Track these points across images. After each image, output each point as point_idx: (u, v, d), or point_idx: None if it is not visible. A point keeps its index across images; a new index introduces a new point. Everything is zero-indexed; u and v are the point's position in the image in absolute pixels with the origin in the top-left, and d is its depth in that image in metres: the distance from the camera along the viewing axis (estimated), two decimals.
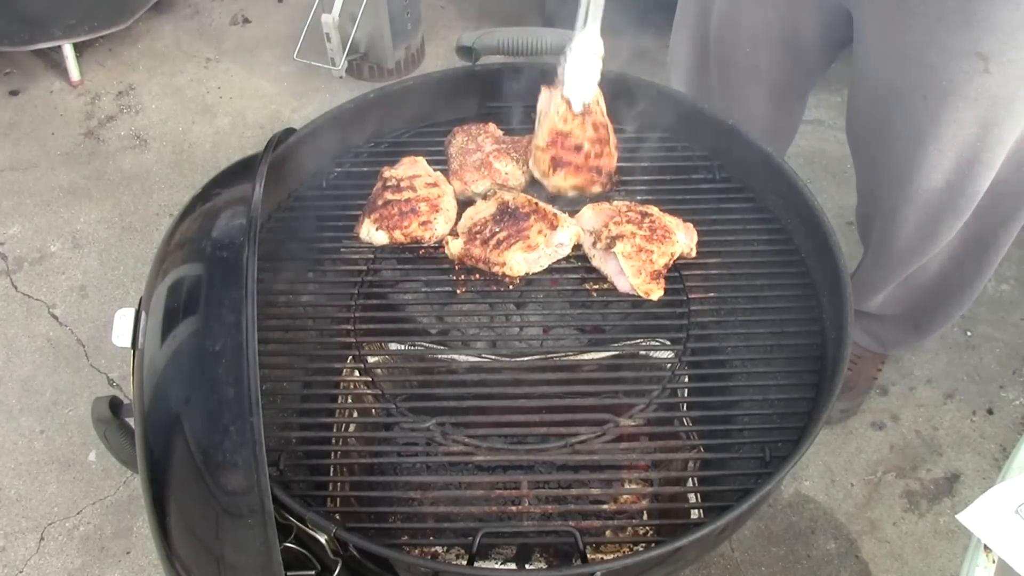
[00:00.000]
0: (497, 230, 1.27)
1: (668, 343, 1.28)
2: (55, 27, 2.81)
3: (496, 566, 1.36)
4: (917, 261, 1.70)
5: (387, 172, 1.37)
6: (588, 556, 1.03)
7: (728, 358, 1.30)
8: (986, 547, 0.98)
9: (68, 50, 2.93)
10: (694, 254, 1.31)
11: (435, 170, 1.39)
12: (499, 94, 1.52)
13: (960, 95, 1.35)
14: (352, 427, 1.40)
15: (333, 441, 1.28)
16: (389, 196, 1.32)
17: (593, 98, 1.31)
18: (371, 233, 1.31)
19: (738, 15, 1.61)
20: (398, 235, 1.30)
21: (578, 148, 1.31)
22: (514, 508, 1.32)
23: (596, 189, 1.35)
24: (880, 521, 1.92)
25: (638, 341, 1.36)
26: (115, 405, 1.14)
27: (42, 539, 1.92)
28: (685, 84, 1.85)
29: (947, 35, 1.30)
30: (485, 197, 1.36)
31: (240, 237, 1.03)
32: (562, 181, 1.34)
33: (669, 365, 1.23)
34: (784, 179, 1.36)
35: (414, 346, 1.41)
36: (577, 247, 1.30)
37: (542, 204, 1.30)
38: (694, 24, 1.74)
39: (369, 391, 1.28)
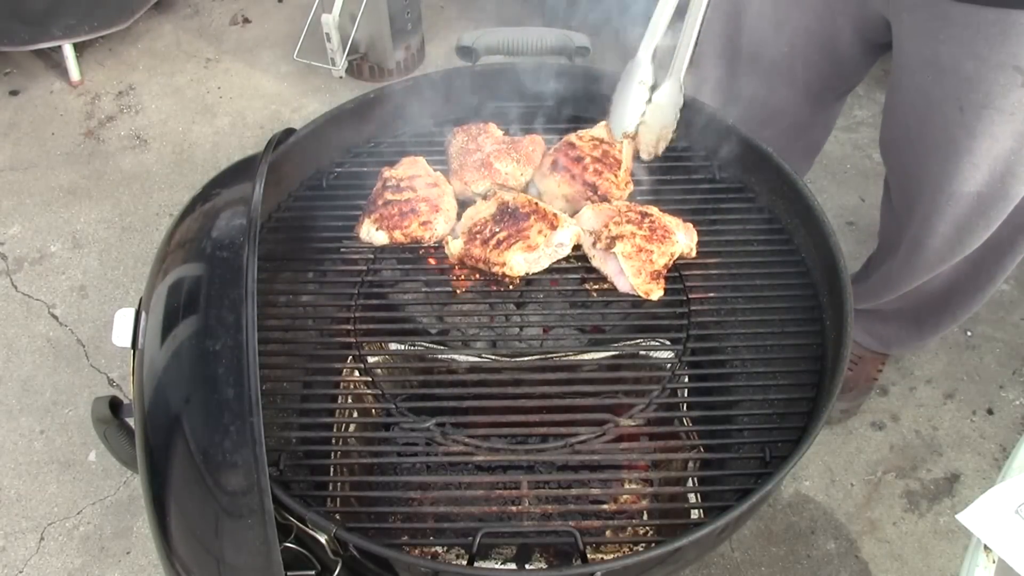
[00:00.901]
0: (497, 230, 1.27)
1: (668, 343, 1.28)
2: (55, 27, 2.81)
3: (496, 566, 1.36)
4: (944, 266, 1.70)
5: (387, 172, 1.37)
6: (588, 556, 1.03)
7: (728, 358, 1.30)
8: (986, 547, 0.98)
9: (68, 50, 2.93)
10: (694, 254, 1.31)
11: (435, 170, 1.39)
12: (499, 94, 1.52)
13: (996, 108, 1.35)
14: (352, 427, 1.40)
15: (333, 441, 1.28)
16: (389, 196, 1.32)
17: (616, 137, 1.37)
18: (371, 233, 1.31)
19: (777, 16, 1.61)
20: (398, 235, 1.30)
21: (578, 160, 1.35)
22: (514, 508, 1.32)
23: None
24: (880, 521, 1.92)
25: (638, 341, 1.36)
26: (115, 405, 1.14)
27: (42, 539, 1.92)
28: (713, 82, 1.85)
29: (985, 47, 1.30)
30: (485, 197, 1.36)
31: (240, 237, 1.03)
32: (555, 187, 1.35)
33: (669, 365, 1.23)
34: (784, 179, 1.36)
35: (414, 346, 1.41)
36: (577, 247, 1.30)
37: (542, 204, 1.30)
38: (724, 22, 1.74)
39: (369, 391, 1.28)
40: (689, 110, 1.47)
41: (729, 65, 1.77)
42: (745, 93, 1.77)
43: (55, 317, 2.34)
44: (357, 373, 1.31)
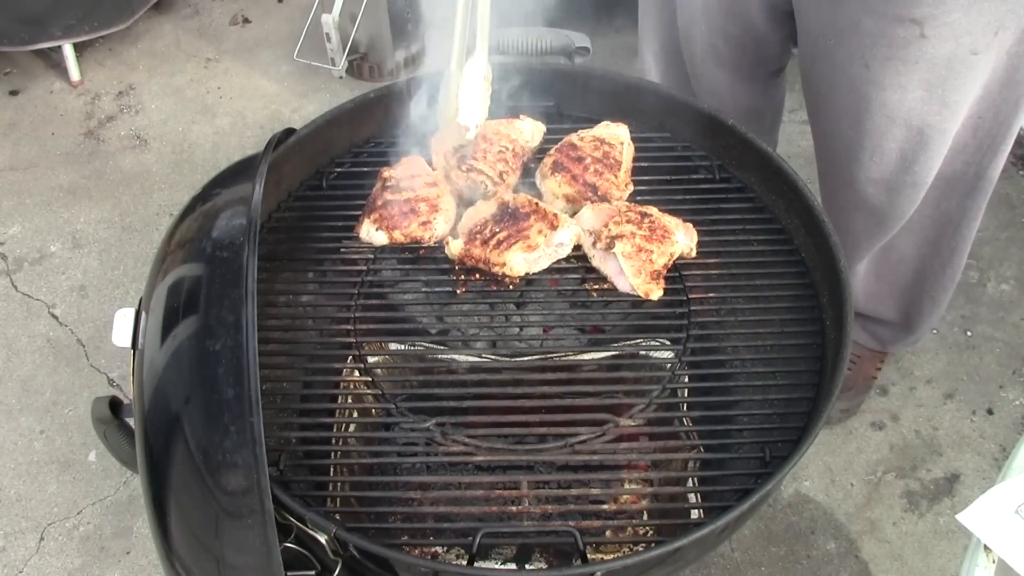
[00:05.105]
0: (497, 230, 1.27)
1: (668, 343, 1.28)
2: (55, 27, 2.81)
3: (496, 566, 1.36)
4: (882, 236, 1.70)
5: (386, 172, 1.37)
6: (588, 556, 1.03)
7: (728, 358, 1.30)
8: (986, 547, 0.98)
9: (68, 50, 2.93)
10: (694, 254, 1.31)
11: (434, 170, 1.39)
12: (499, 94, 1.52)
13: (900, 59, 1.37)
14: (352, 427, 1.40)
15: (333, 441, 1.28)
16: (389, 196, 1.32)
17: (619, 138, 1.38)
18: (371, 233, 1.31)
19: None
20: (398, 235, 1.30)
21: (578, 160, 1.35)
22: (514, 508, 1.32)
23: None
24: (880, 521, 1.92)
25: (638, 341, 1.36)
26: (115, 405, 1.14)
27: (42, 539, 1.92)
28: (657, 74, 1.87)
29: (880, 3, 1.33)
30: (485, 197, 1.36)
31: (240, 237, 1.03)
32: (556, 187, 1.35)
33: (669, 365, 1.23)
34: (784, 179, 1.35)
35: (414, 346, 1.41)
36: (577, 247, 1.30)
37: (542, 204, 1.30)
38: (658, 12, 1.76)
39: (369, 391, 1.28)
40: (688, 109, 1.47)
41: (669, 59, 1.80)
42: (688, 82, 1.78)
43: (55, 317, 2.34)
44: (357, 373, 1.31)
